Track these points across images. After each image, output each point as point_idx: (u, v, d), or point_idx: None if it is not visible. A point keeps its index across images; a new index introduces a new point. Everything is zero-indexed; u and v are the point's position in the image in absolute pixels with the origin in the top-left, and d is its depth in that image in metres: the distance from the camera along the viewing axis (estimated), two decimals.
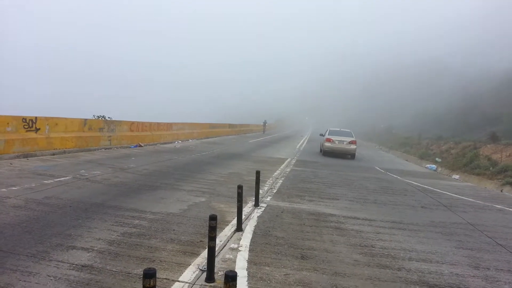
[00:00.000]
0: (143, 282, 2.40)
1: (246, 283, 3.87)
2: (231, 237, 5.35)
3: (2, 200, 6.04)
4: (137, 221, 5.61)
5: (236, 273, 2.59)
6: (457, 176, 16.73)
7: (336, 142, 21.55)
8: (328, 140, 21.76)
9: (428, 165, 20.49)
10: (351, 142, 21.56)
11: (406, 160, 24.49)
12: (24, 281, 3.46)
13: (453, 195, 11.17)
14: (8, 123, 10.90)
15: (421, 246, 5.62)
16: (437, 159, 21.65)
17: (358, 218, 7.07)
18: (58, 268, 3.79)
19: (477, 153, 18.40)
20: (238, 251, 4.81)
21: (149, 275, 2.42)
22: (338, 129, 23.93)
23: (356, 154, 22.16)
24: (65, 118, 13.58)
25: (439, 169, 19.39)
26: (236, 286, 2.55)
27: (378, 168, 17.13)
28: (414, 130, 39.25)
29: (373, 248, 5.33)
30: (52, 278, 3.57)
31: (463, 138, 24.04)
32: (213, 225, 3.87)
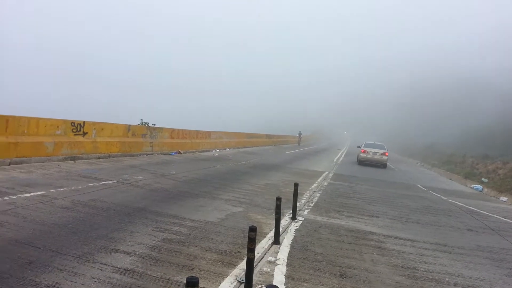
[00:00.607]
0: None
1: None
2: (268, 249, 5.32)
3: (51, 200, 6.34)
4: (176, 228, 5.70)
5: (277, 287, 2.57)
6: (505, 198, 15.80)
7: (370, 153, 24.79)
8: (363, 151, 25.03)
9: (473, 185, 19.50)
10: (383, 154, 24.66)
11: (450, 179, 23.46)
12: (71, 281, 3.59)
13: (501, 218, 10.55)
14: (58, 126, 11.48)
15: (467, 272, 5.32)
16: (483, 179, 20.58)
17: (400, 238, 6.82)
18: (101, 270, 3.91)
19: None
20: (275, 264, 4.76)
21: (192, 283, 2.44)
22: (373, 142, 27.58)
23: (397, 171, 22.92)
24: (111, 123, 14.14)
25: (486, 190, 18.40)
26: None
27: (420, 186, 16.52)
28: (457, 147, 37.64)
29: (416, 271, 5.11)
30: (96, 280, 3.68)
31: (511, 158, 22.74)
32: (252, 237, 3.86)
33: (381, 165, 24.67)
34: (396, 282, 4.60)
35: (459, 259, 5.97)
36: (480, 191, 18.33)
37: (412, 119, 74.75)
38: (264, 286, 4.02)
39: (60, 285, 3.48)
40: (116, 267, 4.01)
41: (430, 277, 4.93)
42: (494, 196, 16.72)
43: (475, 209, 11.67)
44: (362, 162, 25.04)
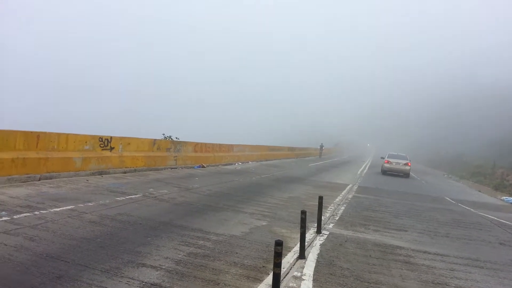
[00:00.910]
0: None
1: None
2: (294, 264, 5.25)
3: (80, 215, 6.49)
4: (201, 242, 5.72)
5: None
6: None
7: (394, 163, 26.43)
8: (387, 161, 26.81)
9: (504, 197, 18.82)
10: (405, 164, 26.18)
11: (479, 191, 22.71)
12: None
13: None
14: (86, 142, 11.80)
15: None
16: None
17: (429, 253, 6.62)
18: (129, 285, 3.95)
19: None
20: (301, 279, 4.70)
21: None
22: (396, 153, 29.76)
23: (424, 183, 22.90)
24: (137, 138, 14.44)
25: None
26: None
27: (448, 199, 16.06)
28: (485, 157, 36.50)
29: (448, 287, 4.94)
30: None
31: None
32: (278, 251, 3.83)
33: (404, 174, 26.20)
34: None
35: (492, 274, 5.74)
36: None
37: (438, 130, 73.25)
38: None
39: None
40: (143, 282, 4.05)
41: None
42: None
43: (507, 222, 11.23)
44: (386, 172, 26.81)
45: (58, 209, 6.65)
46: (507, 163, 29.72)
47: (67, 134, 11.16)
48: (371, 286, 4.69)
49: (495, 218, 11.75)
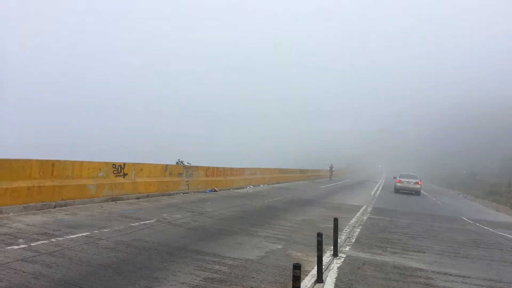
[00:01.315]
0: None
1: None
2: None
3: (95, 241, 6.50)
4: (217, 267, 5.66)
5: None
6: None
7: (405, 182, 28.71)
8: (399, 181, 29.11)
9: None
10: (416, 183, 28.32)
11: (497, 210, 22.19)
12: None
13: None
14: (100, 169, 11.93)
15: None
16: None
17: (450, 274, 6.44)
18: None
19: None
20: None
21: None
22: (407, 173, 31.75)
23: (440, 203, 22.95)
24: (149, 163, 14.55)
25: None
26: None
27: (465, 219, 15.72)
28: (501, 176, 35.81)
29: None
30: None
31: None
32: (297, 275, 3.78)
33: (416, 192, 28.39)
34: None
35: None
36: None
37: (452, 149, 72.44)
38: None
39: None
40: None
41: None
42: None
43: None
44: (398, 191, 28.94)
45: (74, 236, 6.67)
46: None
47: (82, 162, 11.30)
48: None
49: None
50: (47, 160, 10.11)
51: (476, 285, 5.97)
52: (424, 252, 8.12)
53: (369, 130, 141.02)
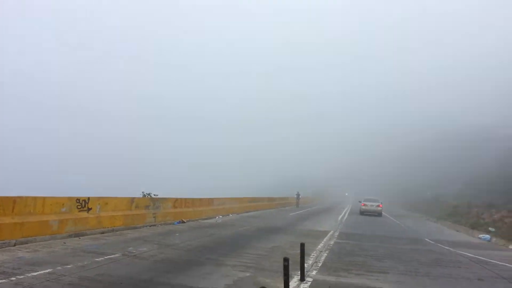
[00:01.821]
0: None
1: None
2: None
3: (58, 278, 6.33)
4: None
5: None
6: None
7: (368, 205, 32.74)
8: (363, 204, 33.20)
9: (481, 235, 19.18)
10: (378, 205, 32.43)
11: (457, 231, 23.10)
12: None
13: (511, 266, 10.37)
14: (63, 204, 11.59)
15: None
16: (490, 228, 20.28)
17: None
18: None
19: None
20: None
21: None
22: (370, 197, 36.15)
23: (403, 226, 24.14)
24: (115, 197, 14.26)
25: (494, 239, 18.08)
26: None
27: (427, 240, 16.29)
28: (461, 198, 37.41)
29: None
30: None
31: None
32: None
33: (378, 214, 32.00)
34: None
35: None
36: (488, 241, 18.02)
37: (415, 174, 75.09)
38: None
39: None
40: None
41: None
42: (503, 245, 16.42)
43: (484, 259, 11.47)
44: (363, 213, 32.50)
45: (35, 273, 6.48)
46: (481, 201, 30.53)
47: (44, 198, 10.98)
48: None
49: (473, 256, 11.98)
50: (8, 197, 9.78)
51: None
52: (388, 273, 8.40)
53: (338, 162, 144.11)
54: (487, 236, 18.65)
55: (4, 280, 5.96)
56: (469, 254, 12.23)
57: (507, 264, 10.62)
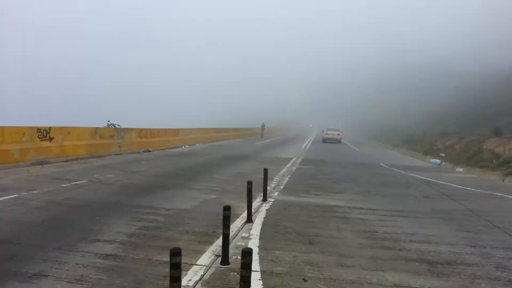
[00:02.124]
0: (170, 259, 2.73)
1: (258, 264, 4.17)
2: (242, 227, 5.67)
3: (25, 202, 6.42)
4: (152, 217, 5.95)
5: (252, 249, 2.92)
6: (461, 169, 16.92)
7: (330, 134, 36.78)
8: (325, 133, 37.30)
9: (432, 160, 20.67)
10: (338, 134, 36.34)
11: (411, 156, 24.68)
12: (56, 268, 3.80)
13: (455, 186, 11.41)
14: (24, 133, 11.32)
15: (421, 230, 5.90)
16: (441, 154, 21.83)
17: (363, 208, 7.37)
18: (84, 257, 4.14)
19: (480, 147, 18.59)
20: (249, 239, 5.13)
21: (175, 253, 2.75)
22: (332, 127, 40.06)
23: (361, 153, 25.41)
24: (77, 127, 14.01)
25: (443, 163, 19.58)
26: (251, 260, 2.86)
27: (383, 165, 17.38)
28: (418, 128, 39.42)
29: (376, 233, 5.63)
30: (80, 265, 3.91)
31: (466, 133, 24.19)
32: (227, 215, 4.21)
33: (337, 141, 35.68)
34: (358, 244, 5.09)
35: (415, 221, 6.56)
36: (438, 165, 19.48)
37: (377, 105, 77.30)
38: (239, 257, 4.37)
39: (46, 272, 3.69)
40: (98, 253, 4.25)
41: (388, 237, 5.45)
42: (451, 168, 17.84)
43: (432, 180, 12.50)
44: (325, 140, 36.25)
45: (1, 198, 6.52)
46: (436, 130, 32.38)
47: (3, 127, 10.70)
48: (311, 238, 5.23)
49: (423, 178, 13.01)
50: None
51: (383, 215, 6.91)
52: (343, 193, 9.07)
53: (303, 92, 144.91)
54: (438, 161, 20.12)
55: None
56: (419, 176, 13.26)
57: (451, 184, 11.66)
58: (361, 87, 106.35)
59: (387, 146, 35.36)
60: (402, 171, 14.75)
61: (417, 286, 3.77)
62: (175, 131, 23.14)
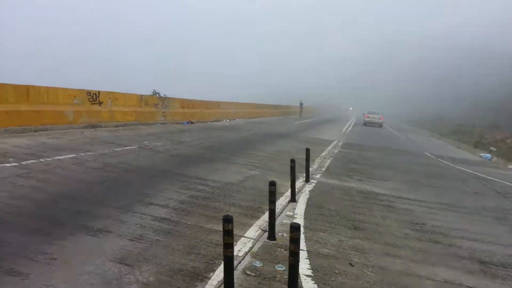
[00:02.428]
0: (223, 226, 2.84)
1: (304, 244, 4.26)
2: (286, 206, 5.76)
3: (83, 162, 6.81)
4: (200, 187, 6.15)
5: (299, 224, 2.95)
6: None
7: (371, 117, 36.89)
8: (366, 116, 37.35)
9: (482, 154, 19.75)
10: (379, 118, 36.49)
11: (459, 148, 23.70)
12: (117, 226, 4.07)
13: (508, 183, 10.90)
14: (75, 96, 11.85)
15: (473, 227, 5.75)
16: (492, 148, 20.82)
17: (408, 199, 7.24)
18: (142, 219, 4.38)
19: None
20: (294, 218, 5.21)
21: (228, 220, 2.85)
22: (373, 111, 39.52)
23: (406, 140, 24.45)
24: (123, 93, 14.49)
25: (494, 158, 18.66)
26: (300, 236, 2.90)
27: (428, 154, 16.84)
28: (466, 117, 37.71)
29: (424, 226, 5.54)
30: (139, 226, 4.15)
31: None
32: (272, 190, 4.29)
33: (379, 125, 36.13)
34: (405, 234, 5.05)
35: (465, 217, 6.39)
36: (489, 159, 18.58)
37: (422, 91, 74.25)
38: (285, 234, 4.48)
39: (108, 229, 3.96)
40: (154, 216, 4.49)
41: (438, 231, 5.35)
42: (502, 165, 17.00)
43: (482, 175, 11.99)
44: (366, 124, 36.68)
45: (61, 157, 6.95)
46: (486, 122, 30.85)
47: (57, 88, 11.22)
48: (356, 224, 5.24)
49: (472, 172, 12.51)
50: (21, 85, 9.99)
51: (430, 207, 6.77)
52: (386, 181, 8.93)
53: (346, 75, 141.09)
54: (488, 155, 19.19)
55: (34, 161, 6.43)
56: (468, 170, 12.77)
57: (503, 181, 11.14)
58: (406, 71, 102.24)
59: (433, 135, 34.08)
60: (450, 163, 14.24)
61: (470, 285, 3.71)
62: (216, 104, 23.42)
